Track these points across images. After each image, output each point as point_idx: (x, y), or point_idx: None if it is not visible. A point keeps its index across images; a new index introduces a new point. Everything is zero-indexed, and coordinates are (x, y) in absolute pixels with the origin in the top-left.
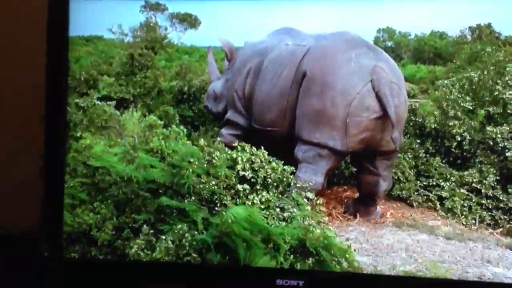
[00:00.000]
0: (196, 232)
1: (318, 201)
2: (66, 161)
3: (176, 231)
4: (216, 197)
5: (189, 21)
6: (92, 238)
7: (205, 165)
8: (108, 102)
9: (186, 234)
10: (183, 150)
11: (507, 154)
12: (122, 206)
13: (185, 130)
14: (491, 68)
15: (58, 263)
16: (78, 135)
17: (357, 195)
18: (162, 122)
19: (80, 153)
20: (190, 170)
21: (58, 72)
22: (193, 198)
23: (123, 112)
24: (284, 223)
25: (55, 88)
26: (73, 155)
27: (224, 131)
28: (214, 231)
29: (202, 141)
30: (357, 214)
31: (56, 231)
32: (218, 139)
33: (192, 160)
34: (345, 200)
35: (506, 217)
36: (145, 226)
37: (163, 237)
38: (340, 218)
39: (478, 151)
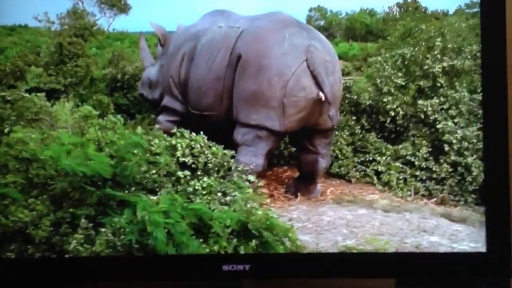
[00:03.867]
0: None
1: (259, 183)
2: None
3: (113, 224)
4: (156, 185)
5: (119, 6)
6: (28, 236)
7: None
8: (37, 94)
9: (122, 229)
10: (127, 141)
11: (437, 126)
12: (59, 200)
13: (121, 119)
14: (423, 43)
15: None
16: (6, 131)
17: (297, 174)
18: (98, 112)
19: (12, 147)
20: (135, 161)
21: None
22: (133, 188)
23: (55, 103)
24: (226, 207)
25: None
26: (4, 149)
27: (161, 118)
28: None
29: (139, 129)
30: (298, 194)
31: None
32: (156, 126)
33: (136, 151)
34: (286, 181)
35: (439, 187)
36: (83, 220)
37: (103, 229)
38: (282, 198)
39: (411, 124)
